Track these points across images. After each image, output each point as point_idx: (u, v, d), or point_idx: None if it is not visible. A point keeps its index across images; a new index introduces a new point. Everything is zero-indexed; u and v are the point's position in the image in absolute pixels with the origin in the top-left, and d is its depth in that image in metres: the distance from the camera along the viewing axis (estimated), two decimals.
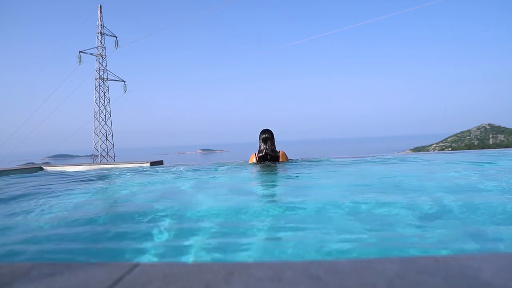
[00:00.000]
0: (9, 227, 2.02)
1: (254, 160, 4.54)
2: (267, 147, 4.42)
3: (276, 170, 4.08)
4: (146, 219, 2.01)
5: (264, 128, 4.50)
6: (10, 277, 0.83)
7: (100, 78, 36.45)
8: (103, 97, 36.75)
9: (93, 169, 5.47)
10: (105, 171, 5.13)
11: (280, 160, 4.51)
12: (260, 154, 4.47)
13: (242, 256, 1.38)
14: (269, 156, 4.42)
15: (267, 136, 4.45)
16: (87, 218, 2.15)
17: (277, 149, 4.54)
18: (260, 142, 4.49)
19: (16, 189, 3.66)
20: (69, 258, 1.44)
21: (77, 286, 0.76)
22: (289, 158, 4.75)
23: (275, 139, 4.51)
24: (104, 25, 36.78)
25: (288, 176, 3.72)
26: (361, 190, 2.68)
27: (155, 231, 1.76)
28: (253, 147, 4.90)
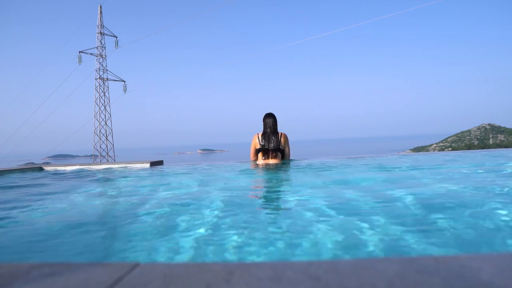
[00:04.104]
0: (8, 227, 2.02)
1: (256, 140, 4.80)
2: (269, 128, 4.76)
3: (278, 171, 4.10)
4: (146, 219, 2.01)
5: (267, 112, 4.92)
6: (10, 277, 0.83)
7: (100, 78, 36.44)
8: (103, 97, 36.73)
9: (93, 169, 5.47)
10: (105, 171, 5.14)
11: (282, 141, 4.77)
12: (262, 139, 4.77)
13: (245, 256, 1.38)
14: (272, 137, 4.72)
15: (270, 117, 4.82)
16: (86, 218, 2.15)
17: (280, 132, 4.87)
18: (263, 124, 4.84)
19: (16, 189, 3.67)
20: (69, 258, 1.44)
21: (77, 286, 0.76)
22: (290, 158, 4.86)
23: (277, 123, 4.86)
24: (104, 25, 36.77)
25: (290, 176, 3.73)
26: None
27: (155, 230, 1.76)
28: None
